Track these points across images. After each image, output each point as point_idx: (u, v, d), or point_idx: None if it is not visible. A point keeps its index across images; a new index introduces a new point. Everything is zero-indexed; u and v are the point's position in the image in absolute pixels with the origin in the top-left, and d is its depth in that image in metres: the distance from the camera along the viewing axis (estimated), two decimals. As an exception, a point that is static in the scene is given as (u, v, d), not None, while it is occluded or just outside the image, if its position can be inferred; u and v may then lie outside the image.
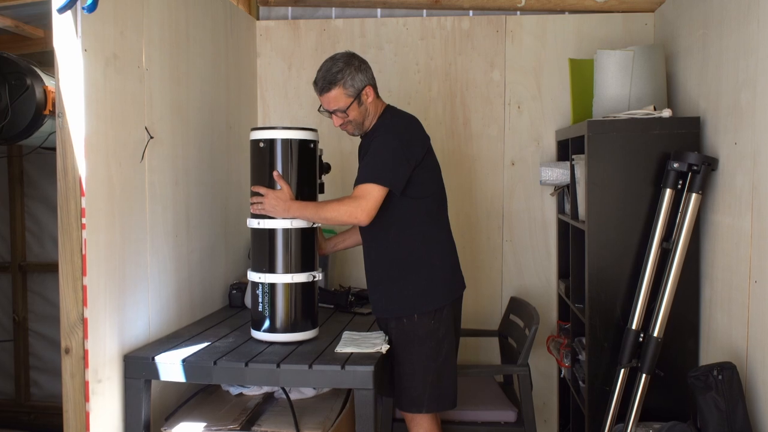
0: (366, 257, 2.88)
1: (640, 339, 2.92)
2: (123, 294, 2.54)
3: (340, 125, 2.78)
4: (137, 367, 2.52)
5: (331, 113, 2.75)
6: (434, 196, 2.81)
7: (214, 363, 2.48)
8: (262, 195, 2.65)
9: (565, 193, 3.76)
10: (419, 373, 2.72)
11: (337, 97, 2.70)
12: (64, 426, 2.33)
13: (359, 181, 2.63)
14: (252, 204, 2.68)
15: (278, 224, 2.67)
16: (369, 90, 2.74)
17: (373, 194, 2.58)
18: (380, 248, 2.79)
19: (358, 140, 3.98)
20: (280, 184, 2.64)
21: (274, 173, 2.64)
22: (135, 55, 2.62)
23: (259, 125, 4.08)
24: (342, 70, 2.69)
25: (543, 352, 3.93)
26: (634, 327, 2.92)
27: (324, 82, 2.70)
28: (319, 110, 2.81)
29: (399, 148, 2.65)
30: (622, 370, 2.95)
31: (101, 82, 2.37)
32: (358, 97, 2.71)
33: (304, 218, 2.65)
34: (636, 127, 3.00)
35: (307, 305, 2.73)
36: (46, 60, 2.90)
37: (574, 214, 3.43)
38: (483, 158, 4.01)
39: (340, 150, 4.05)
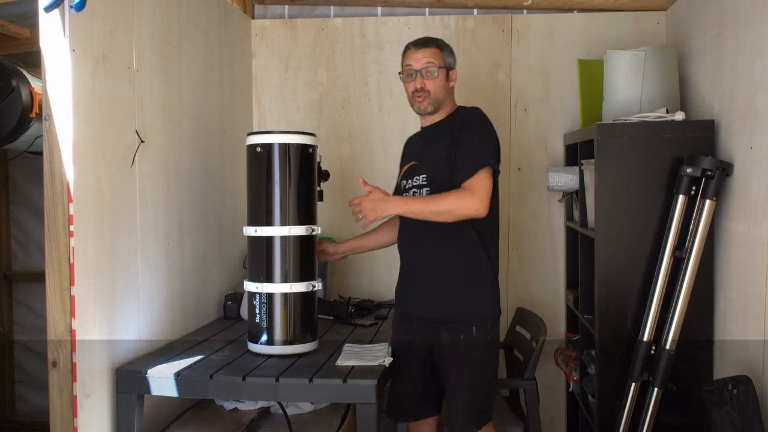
0: (428, 256, 2.78)
1: (652, 351, 2.91)
2: (113, 305, 2.53)
3: (419, 89, 2.76)
4: (129, 381, 2.51)
5: (417, 71, 2.76)
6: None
7: (210, 377, 2.47)
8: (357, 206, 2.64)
9: (573, 199, 3.76)
10: (475, 390, 2.73)
11: (434, 54, 2.77)
12: (51, 443, 2.32)
13: (467, 172, 2.58)
14: (355, 215, 2.64)
15: (276, 231, 2.66)
16: (455, 75, 2.84)
17: (484, 182, 2.57)
18: (459, 247, 2.73)
19: (357, 145, 4.03)
20: (367, 188, 2.63)
21: (359, 180, 2.66)
22: (125, 55, 2.62)
23: (255, 129, 4.08)
24: (442, 41, 2.83)
25: (550, 366, 3.92)
26: (645, 339, 2.92)
27: (424, 39, 2.82)
28: (401, 73, 2.85)
29: (496, 139, 2.71)
30: (633, 384, 2.94)
31: (90, 84, 2.37)
32: (448, 70, 2.80)
33: (409, 213, 2.61)
34: (647, 130, 3.00)
35: (306, 316, 2.73)
36: (33, 60, 2.90)
37: (583, 221, 3.42)
38: (488, 163, 4.00)
39: (339, 155, 4.05)
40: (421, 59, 2.76)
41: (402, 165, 3.01)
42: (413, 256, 2.85)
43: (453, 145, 2.70)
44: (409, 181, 2.84)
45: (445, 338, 2.73)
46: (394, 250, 4.04)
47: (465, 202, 2.54)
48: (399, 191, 2.93)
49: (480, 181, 2.57)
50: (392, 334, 2.96)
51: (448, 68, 2.81)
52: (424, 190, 2.76)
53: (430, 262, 2.78)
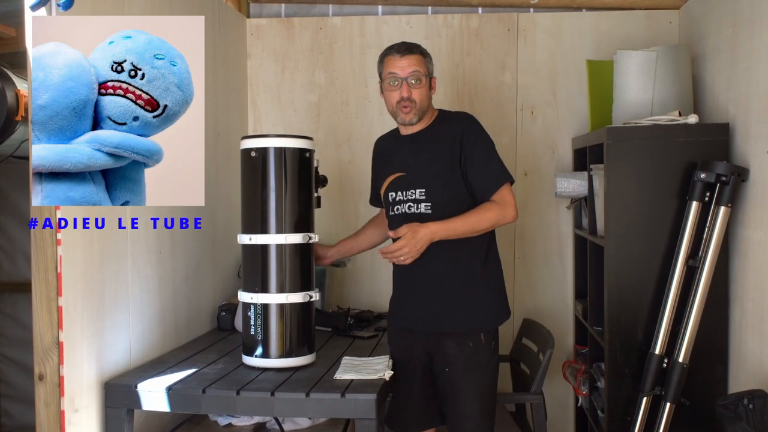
0: (432, 266, 2.77)
1: (664, 365, 2.91)
2: (102, 316, 2.53)
3: (406, 98, 2.73)
4: (119, 395, 2.51)
5: (403, 80, 2.73)
6: None
7: (203, 391, 2.47)
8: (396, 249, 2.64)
9: (582, 205, 3.76)
10: (484, 400, 2.76)
11: (419, 62, 2.76)
12: (38, 459, 2.32)
13: (492, 190, 2.72)
14: (392, 258, 2.67)
15: (271, 240, 2.66)
16: (435, 83, 2.85)
17: (510, 193, 2.75)
18: (462, 257, 2.75)
19: (356, 149, 4.03)
20: (400, 233, 2.63)
21: (388, 232, 2.71)
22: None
23: (250, 132, 4.09)
24: (423, 47, 2.81)
25: (558, 379, 3.92)
26: (657, 351, 2.92)
27: (407, 45, 2.78)
28: (386, 79, 2.78)
29: (494, 145, 2.82)
30: (645, 399, 2.94)
31: (79, 86, 2.37)
32: (430, 78, 2.80)
33: (453, 236, 2.66)
34: (659, 134, 3.01)
35: (303, 328, 2.73)
36: (18, 61, 2.91)
37: (592, 228, 3.42)
38: (493, 167, 4.01)
39: (338, 159, 4.06)
40: (406, 67, 2.73)
41: (379, 171, 2.97)
42: (413, 269, 2.78)
43: (458, 161, 2.73)
44: (400, 193, 2.80)
45: (451, 347, 2.74)
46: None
47: (505, 214, 2.71)
48: (386, 203, 2.87)
49: (507, 194, 2.74)
50: (390, 349, 2.95)
51: (431, 76, 2.80)
52: (423, 205, 2.73)
53: (432, 274, 2.76)
